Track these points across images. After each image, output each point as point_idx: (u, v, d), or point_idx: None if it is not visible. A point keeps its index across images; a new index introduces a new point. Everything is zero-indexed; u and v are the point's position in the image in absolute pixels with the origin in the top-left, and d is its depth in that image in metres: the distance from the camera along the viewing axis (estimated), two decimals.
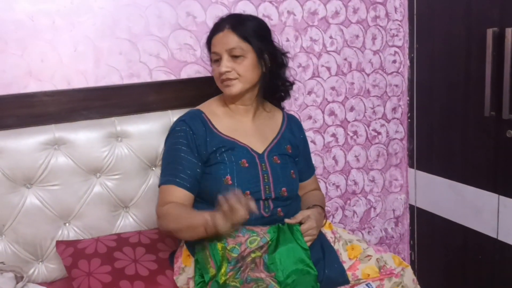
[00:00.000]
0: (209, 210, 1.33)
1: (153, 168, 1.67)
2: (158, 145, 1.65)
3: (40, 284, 1.50)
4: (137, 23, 1.64)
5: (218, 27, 1.39)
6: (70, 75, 1.58)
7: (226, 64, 1.35)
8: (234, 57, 1.36)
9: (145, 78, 1.69)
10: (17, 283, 1.35)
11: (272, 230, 1.30)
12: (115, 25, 1.61)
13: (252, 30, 1.39)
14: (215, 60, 1.39)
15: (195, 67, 1.76)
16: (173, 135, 1.38)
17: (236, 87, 1.37)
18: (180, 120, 1.40)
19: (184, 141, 1.35)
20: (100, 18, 1.59)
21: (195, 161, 1.34)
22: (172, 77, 1.73)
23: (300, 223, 1.35)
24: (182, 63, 1.74)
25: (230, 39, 1.36)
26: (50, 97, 1.53)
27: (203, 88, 1.65)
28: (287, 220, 1.34)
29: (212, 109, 1.44)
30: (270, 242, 1.27)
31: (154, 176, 1.67)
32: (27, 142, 1.48)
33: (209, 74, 1.78)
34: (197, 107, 1.46)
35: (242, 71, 1.37)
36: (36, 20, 1.51)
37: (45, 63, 1.54)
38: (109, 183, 1.61)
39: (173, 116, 1.67)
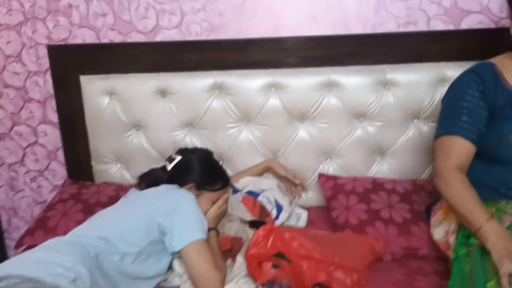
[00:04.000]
0: (482, 164, 1.26)
1: (415, 120, 1.65)
2: (425, 97, 1.61)
3: None
4: None
5: None
6: (350, 20, 1.65)
7: None
8: None
9: (422, 26, 1.63)
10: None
11: None
12: None
13: None
14: None
15: (478, 17, 1.61)
16: (460, 85, 1.31)
17: None
18: (470, 71, 1.32)
19: (475, 92, 1.27)
20: None
21: (485, 113, 1.26)
22: (451, 27, 1.63)
23: None
24: (465, 12, 1.61)
25: None
26: (330, 41, 1.64)
27: (485, 41, 1.51)
28: None
29: (505, 63, 1.31)
30: None
31: (414, 128, 1.65)
32: (306, 81, 1.64)
33: (493, 26, 1.61)
34: (489, 60, 1.34)
35: None
36: None
37: (330, 7, 1.64)
38: (371, 128, 1.67)
39: (446, 68, 1.59)
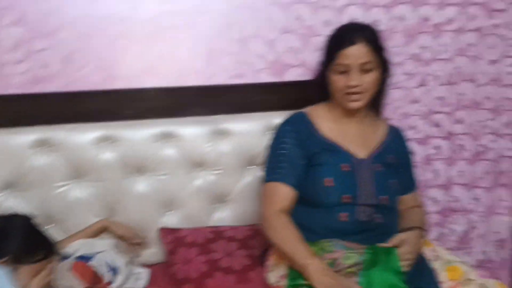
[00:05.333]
0: (305, 209, 1.36)
1: (250, 167, 1.72)
2: (257, 145, 1.69)
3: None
4: (248, 25, 1.70)
5: (349, 39, 1.34)
6: (184, 72, 1.68)
7: (357, 78, 1.34)
8: (363, 70, 1.34)
9: (250, 78, 1.74)
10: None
11: (368, 250, 1.28)
12: (228, 27, 1.68)
13: (380, 42, 1.39)
14: (341, 71, 1.36)
15: (299, 70, 1.78)
16: (279, 134, 1.43)
17: (361, 102, 1.37)
18: (286, 121, 1.45)
19: (291, 141, 1.39)
20: (216, 19, 1.66)
21: (300, 161, 1.37)
22: (276, 79, 1.76)
23: (395, 247, 1.31)
24: (287, 66, 1.77)
25: (364, 53, 1.33)
26: (165, 93, 1.65)
27: (306, 92, 1.66)
28: (380, 244, 1.31)
29: (316, 112, 1.46)
30: (365, 262, 1.25)
31: (250, 175, 1.72)
32: (142, 133, 1.61)
33: (312, 78, 1.79)
34: (302, 110, 1.48)
35: (369, 85, 1.36)
36: (159, 20, 1.62)
37: (163, 60, 1.65)
38: (209, 177, 1.68)
39: (274, 117, 1.69)
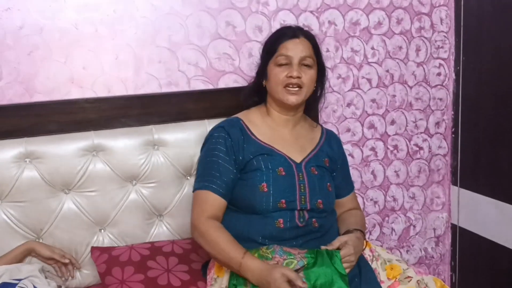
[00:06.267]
0: (242, 217, 1.33)
1: (188, 177, 1.66)
2: (194, 154, 1.64)
3: None
4: (177, 32, 1.65)
5: (291, 33, 1.39)
6: (110, 82, 1.60)
7: (298, 70, 1.35)
8: (303, 65, 1.37)
9: (183, 87, 1.69)
10: None
11: (310, 254, 1.26)
12: (155, 34, 1.63)
13: (318, 46, 1.43)
14: (281, 64, 1.37)
15: (233, 77, 1.75)
16: (211, 141, 1.39)
17: (299, 96, 1.37)
18: (218, 127, 1.41)
19: (222, 148, 1.35)
20: (142, 27, 1.61)
21: (231, 168, 1.34)
22: (210, 86, 1.72)
23: (338, 249, 1.30)
24: (220, 72, 1.73)
25: (306, 47, 1.37)
26: (91, 104, 1.56)
27: (240, 98, 1.63)
28: (323, 247, 1.29)
29: (250, 117, 1.44)
30: (306, 266, 1.23)
31: (188, 185, 1.66)
32: (67, 148, 1.51)
33: (246, 84, 1.76)
34: (235, 115, 1.45)
35: (307, 81, 1.37)
36: (80, 28, 1.54)
37: (87, 70, 1.57)
38: (144, 191, 1.61)
39: (209, 125, 1.65)
